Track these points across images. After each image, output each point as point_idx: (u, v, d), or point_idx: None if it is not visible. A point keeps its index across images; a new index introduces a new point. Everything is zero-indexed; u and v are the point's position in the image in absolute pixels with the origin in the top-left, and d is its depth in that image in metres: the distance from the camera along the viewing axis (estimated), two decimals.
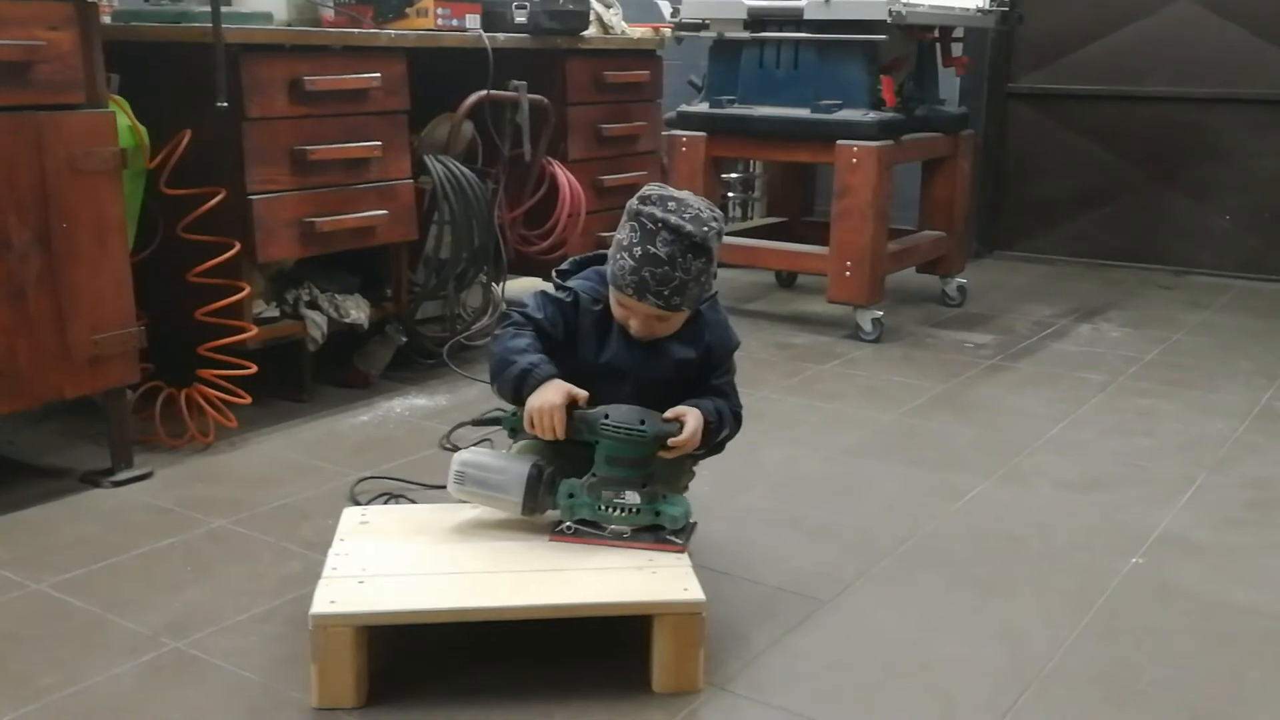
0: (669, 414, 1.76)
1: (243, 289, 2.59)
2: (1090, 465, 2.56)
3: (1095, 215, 4.99)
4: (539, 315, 1.80)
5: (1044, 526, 2.23)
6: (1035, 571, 2.04)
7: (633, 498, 1.75)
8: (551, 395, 1.71)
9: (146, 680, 1.65)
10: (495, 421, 1.87)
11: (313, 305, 2.85)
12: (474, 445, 2.06)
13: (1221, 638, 1.81)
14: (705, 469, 1.99)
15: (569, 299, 1.82)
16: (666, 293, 1.73)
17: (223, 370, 2.58)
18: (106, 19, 2.49)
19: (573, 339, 1.82)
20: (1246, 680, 1.69)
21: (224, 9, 2.43)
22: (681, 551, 1.75)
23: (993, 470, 2.51)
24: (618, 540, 1.76)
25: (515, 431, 1.83)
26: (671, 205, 1.73)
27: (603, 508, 1.76)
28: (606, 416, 1.73)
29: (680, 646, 1.60)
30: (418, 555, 1.73)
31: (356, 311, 2.91)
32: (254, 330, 2.65)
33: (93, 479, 2.36)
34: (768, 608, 1.87)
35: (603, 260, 1.87)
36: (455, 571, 1.68)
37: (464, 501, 1.81)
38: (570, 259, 1.93)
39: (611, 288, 1.79)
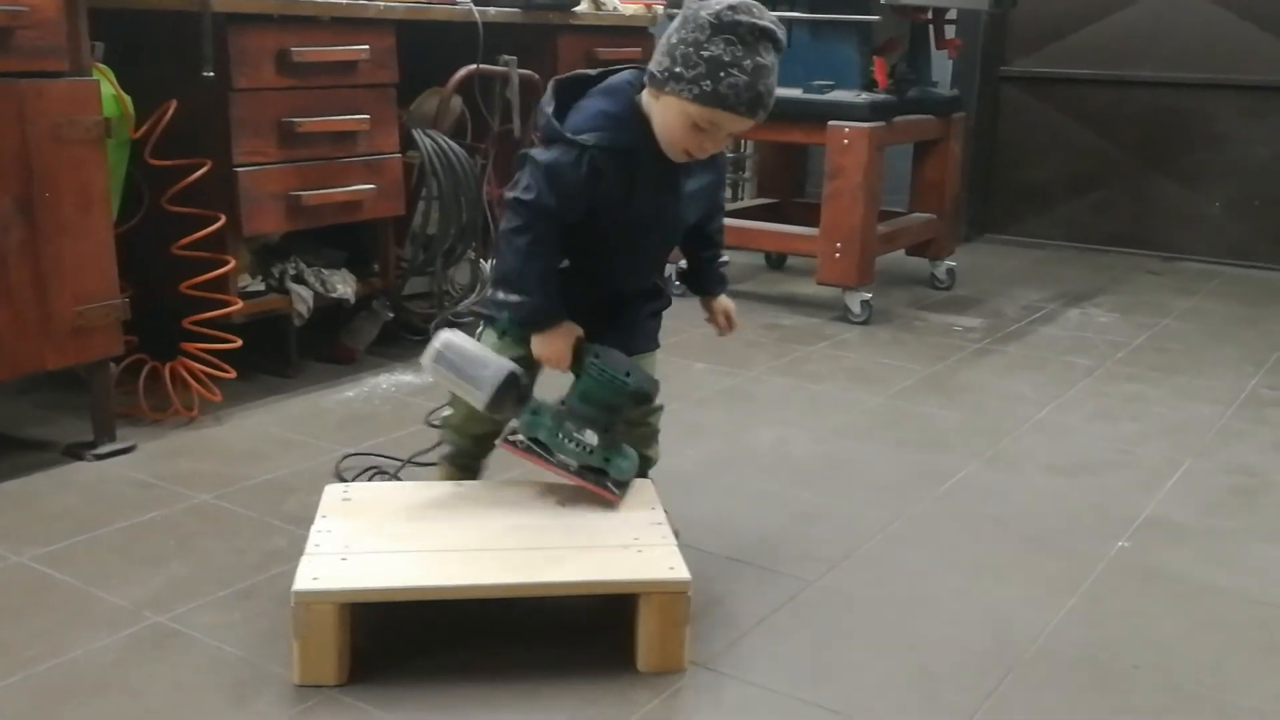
0: (716, 313, 1.88)
1: (228, 262, 2.57)
2: (1077, 449, 2.56)
3: (1085, 200, 4.99)
4: (552, 202, 1.63)
5: (1030, 509, 2.23)
6: (1021, 554, 2.04)
7: (591, 438, 1.75)
8: (562, 342, 1.72)
9: (128, 654, 1.63)
10: (488, 317, 1.81)
11: (299, 280, 2.83)
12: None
13: (1206, 621, 1.82)
14: (692, 448, 1.98)
15: (584, 161, 1.62)
16: (771, 101, 1.62)
17: (207, 344, 2.56)
18: None
19: (591, 205, 1.66)
20: (1230, 663, 1.70)
21: None
22: (615, 502, 1.76)
23: (980, 453, 2.51)
24: (561, 470, 1.76)
25: (504, 333, 1.78)
26: (755, 10, 1.59)
27: (560, 436, 1.75)
28: (596, 356, 1.73)
29: (665, 625, 1.60)
30: (401, 532, 1.71)
31: (343, 286, 2.89)
32: (239, 304, 2.63)
33: (75, 452, 2.34)
34: (753, 587, 1.87)
35: (594, 81, 1.71)
36: (439, 549, 1.67)
37: (432, 379, 1.76)
38: (551, 83, 1.73)
39: (704, 108, 1.59)
